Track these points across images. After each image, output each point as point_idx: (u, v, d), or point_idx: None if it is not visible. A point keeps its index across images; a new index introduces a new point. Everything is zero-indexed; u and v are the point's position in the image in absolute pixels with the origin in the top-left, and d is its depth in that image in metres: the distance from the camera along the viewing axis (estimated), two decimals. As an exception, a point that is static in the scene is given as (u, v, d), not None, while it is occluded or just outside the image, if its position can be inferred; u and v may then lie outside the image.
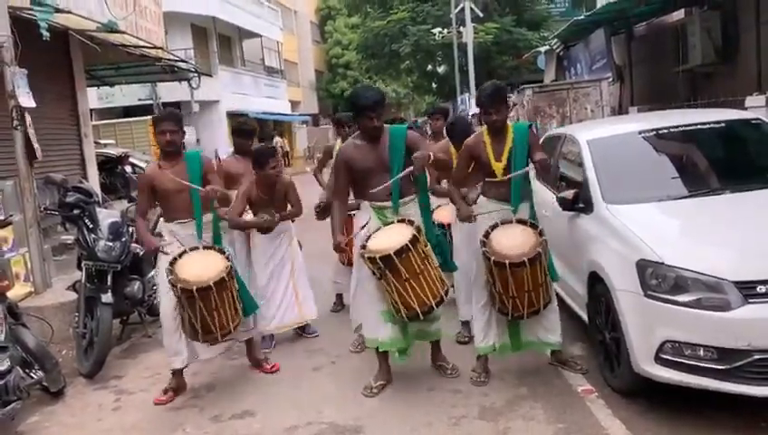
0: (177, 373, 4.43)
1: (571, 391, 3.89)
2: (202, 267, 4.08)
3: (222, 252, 4.25)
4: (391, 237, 3.84)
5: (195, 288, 3.95)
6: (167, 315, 4.29)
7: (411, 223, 3.91)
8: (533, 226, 3.93)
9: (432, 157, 3.90)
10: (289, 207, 5.08)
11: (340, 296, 6.09)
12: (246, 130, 5.67)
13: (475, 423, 3.62)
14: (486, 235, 3.91)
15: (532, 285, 3.81)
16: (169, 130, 4.27)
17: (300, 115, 37.56)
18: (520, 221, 3.95)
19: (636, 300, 3.40)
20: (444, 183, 4.82)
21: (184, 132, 4.44)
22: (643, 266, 3.39)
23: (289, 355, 4.96)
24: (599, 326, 3.92)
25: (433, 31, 27.81)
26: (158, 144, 4.50)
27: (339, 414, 3.87)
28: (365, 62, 33.44)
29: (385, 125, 4.16)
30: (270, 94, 32.15)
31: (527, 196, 4.09)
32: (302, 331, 5.43)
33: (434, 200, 4.59)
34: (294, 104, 37.10)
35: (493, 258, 3.77)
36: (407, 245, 3.73)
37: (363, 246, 3.92)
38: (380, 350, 4.16)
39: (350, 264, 5.59)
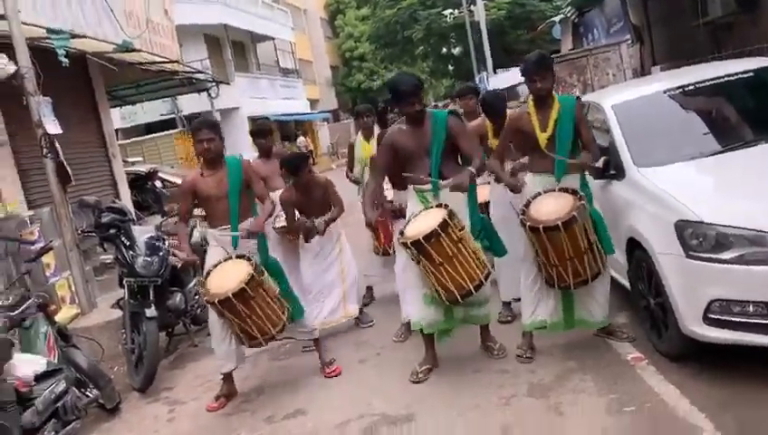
0: (228, 379, 4.50)
1: (620, 361, 3.85)
2: (224, 279, 4.11)
3: (248, 260, 4.23)
4: (426, 222, 3.84)
5: (216, 300, 4.01)
6: (214, 322, 4.36)
7: (445, 207, 3.89)
8: (574, 192, 3.86)
9: (474, 173, 3.98)
10: (331, 208, 5.12)
11: (370, 289, 6.11)
12: (262, 129, 5.74)
13: (524, 401, 3.61)
14: (527, 204, 3.89)
15: (574, 252, 3.75)
16: (206, 139, 4.34)
17: (319, 113, 37.71)
18: (563, 190, 3.89)
19: (678, 262, 3.34)
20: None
21: (222, 138, 4.49)
22: (682, 227, 3.32)
23: (333, 349, 5.00)
24: (642, 292, 3.86)
25: (444, 13, 27.63)
26: (197, 153, 4.56)
27: (388, 405, 3.89)
28: (379, 53, 33.34)
29: (428, 110, 4.21)
30: (288, 95, 32.31)
31: (576, 169, 4.01)
32: (359, 321, 5.48)
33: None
34: (313, 103, 37.22)
35: (528, 224, 3.74)
36: (436, 229, 3.72)
37: (401, 232, 3.95)
38: (424, 332, 4.17)
39: (384, 254, 5.62)
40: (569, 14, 17.16)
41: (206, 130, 4.37)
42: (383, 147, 4.32)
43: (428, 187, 4.06)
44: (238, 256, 4.27)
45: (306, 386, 4.49)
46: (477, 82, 26.51)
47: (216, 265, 4.23)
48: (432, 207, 3.98)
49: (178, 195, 4.79)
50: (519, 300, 4.35)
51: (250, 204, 4.47)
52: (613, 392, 3.47)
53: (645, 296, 3.81)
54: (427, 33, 27.55)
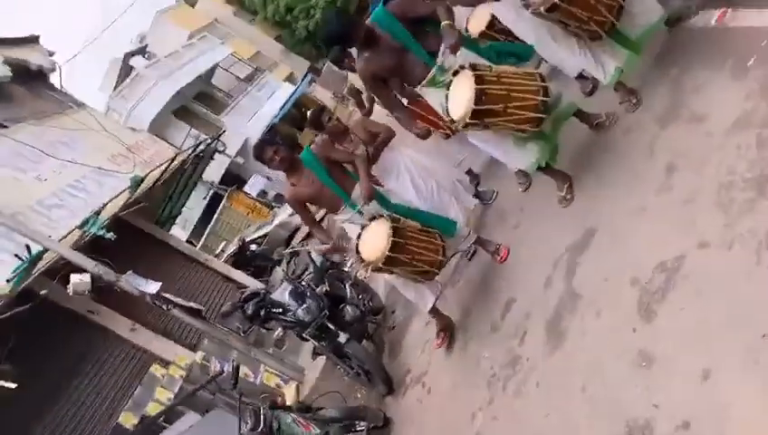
0: (437, 314, 4.70)
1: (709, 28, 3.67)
2: (373, 244, 4.27)
3: (380, 216, 4.37)
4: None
5: (380, 263, 4.19)
6: (391, 281, 4.59)
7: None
8: None
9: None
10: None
11: (469, 172, 6.09)
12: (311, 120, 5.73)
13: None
14: None
15: None
16: (272, 154, 4.52)
17: (301, 83, 37.01)
18: None
19: None
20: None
21: (283, 143, 4.69)
22: None
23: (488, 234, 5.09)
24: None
25: None
26: (276, 170, 4.73)
27: (565, 235, 3.97)
28: None
29: (369, 21, 4.08)
30: (269, 92, 32.03)
31: None
32: (481, 200, 5.52)
33: (463, 12, 4.49)
34: (291, 79, 36.68)
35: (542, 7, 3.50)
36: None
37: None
38: (542, 166, 4.10)
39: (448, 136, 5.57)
40: None
41: (266, 148, 4.56)
42: (373, 81, 4.23)
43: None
44: (370, 220, 4.41)
45: (495, 279, 4.63)
46: None
47: (358, 238, 4.39)
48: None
49: (293, 207, 5.02)
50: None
51: (346, 175, 4.61)
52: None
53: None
54: None
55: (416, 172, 5.06)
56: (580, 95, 4.66)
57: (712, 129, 3.20)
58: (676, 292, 2.83)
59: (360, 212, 4.52)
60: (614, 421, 2.74)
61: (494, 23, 4.79)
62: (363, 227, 4.37)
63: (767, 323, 2.31)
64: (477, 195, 5.50)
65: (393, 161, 5.09)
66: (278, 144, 4.59)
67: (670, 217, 3.16)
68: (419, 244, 4.31)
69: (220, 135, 13.33)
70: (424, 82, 4.06)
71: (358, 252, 4.33)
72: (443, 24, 3.87)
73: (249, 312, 5.65)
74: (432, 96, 4.10)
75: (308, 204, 4.79)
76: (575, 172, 4.24)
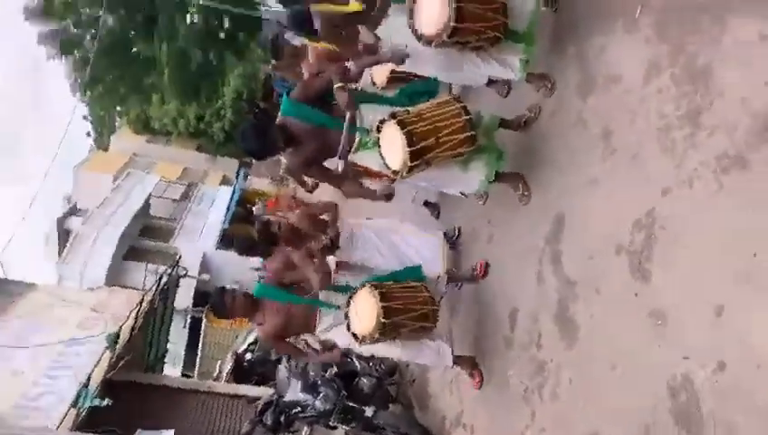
0: (460, 359, 4.60)
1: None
2: (362, 318, 4.12)
3: (361, 287, 4.21)
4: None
5: (377, 334, 4.05)
6: (395, 351, 4.45)
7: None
8: None
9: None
10: None
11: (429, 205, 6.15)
12: (245, 232, 5.67)
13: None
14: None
15: None
16: (231, 301, 4.36)
17: (237, 181, 36.51)
18: None
19: None
20: None
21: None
22: None
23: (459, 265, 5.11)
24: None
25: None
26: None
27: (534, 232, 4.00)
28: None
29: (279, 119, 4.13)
30: (209, 205, 31.34)
31: None
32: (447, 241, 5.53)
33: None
34: (227, 182, 35.74)
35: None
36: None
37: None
38: (494, 180, 4.16)
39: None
40: None
41: (224, 297, 4.38)
42: (308, 170, 4.33)
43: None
44: (350, 299, 4.26)
45: (491, 297, 4.63)
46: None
47: (347, 319, 4.22)
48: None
49: (272, 346, 4.88)
50: None
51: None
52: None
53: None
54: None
55: (374, 236, 4.96)
56: (499, 99, 4.79)
57: (629, 84, 3.32)
58: (660, 244, 2.88)
59: (336, 307, 4.37)
60: (654, 387, 2.74)
61: (394, 69, 4.90)
62: (348, 304, 4.23)
63: (753, 243, 2.35)
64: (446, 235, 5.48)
65: (350, 235, 4.95)
66: (233, 292, 4.45)
67: (624, 177, 3.23)
68: (407, 300, 4.22)
69: (177, 262, 13.17)
70: (353, 150, 4.11)
71: (353, 334, 4.18)
72: (334, 88, 3.97)
73: (269, 423, 5.51)
74: (367, 159, 4.13)
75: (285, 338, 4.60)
76: (523, 169, 4.32)
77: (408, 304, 4.17)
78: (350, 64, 4.12)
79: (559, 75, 4.07)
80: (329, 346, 4.53)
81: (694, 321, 2.60)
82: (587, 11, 3.86)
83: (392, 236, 4.93)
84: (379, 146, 3.84)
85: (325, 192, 5.70)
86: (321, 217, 4.98)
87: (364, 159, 4.12)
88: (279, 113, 4.18)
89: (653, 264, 2.90)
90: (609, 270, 3.21)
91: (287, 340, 4.63)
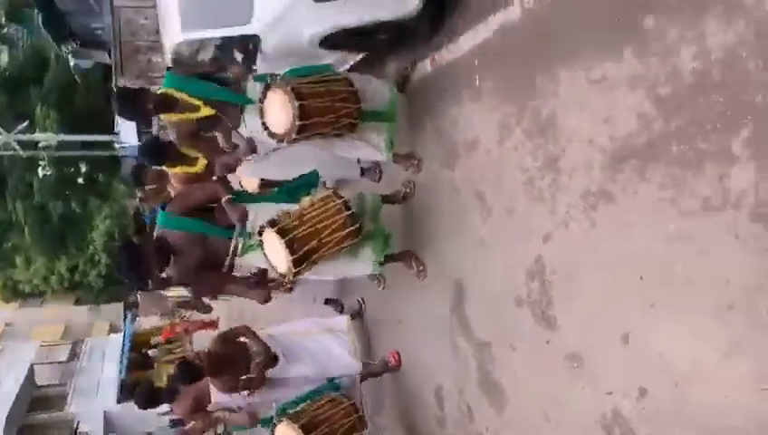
0: None
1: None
2: None
3: (281, 421, 4.08)
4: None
5: None
6: None
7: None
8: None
9: None
10: None
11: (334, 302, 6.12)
12: (145, 380, 5.34)
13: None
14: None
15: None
16: None
17: (125, 327, 34.59)
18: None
19: None
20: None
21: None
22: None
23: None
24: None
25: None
26: None
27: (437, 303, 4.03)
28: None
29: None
30: (99, 358, 29.32)
31: None
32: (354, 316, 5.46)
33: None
34: (115, 330, 33.61)
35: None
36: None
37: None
38: (385, 261, 4.20)
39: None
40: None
41: None
42: (192, 279, 4.15)
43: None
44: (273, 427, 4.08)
45: (411, 379, 4.56)
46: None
47: None
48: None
49: None
50: None
51: None
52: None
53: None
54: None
55: (290, 344, 4.78)
56: (374, 185, 4.90)
57: (487, 146, 3.50)
58: (555, 288, 2.97)
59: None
60: (589, 429, 2.75)
61: (263, 180, 4.93)
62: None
63: (637, 267, 2.48)
64: (352, 314, 5.43)
65: (285, 348, 4.72)
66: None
67: (506, 232, 3.35)
68: (331, 420, 4.10)
69: (76, 429, 12.06)
70: (239, 254, 4.01)
71: None
72: (222, 201, 3.91)
73: None
74: (254, 260, 4.05)
75: None
76: (413, 245, 4.38)
77: (332, 425, 4.04)
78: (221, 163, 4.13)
79: (423, 151, 4.24)
80: None
81: (605, 355, 2.67)
82: (431, 87, 4.09)
83: (304, 340, 4.80)
84: (263, 251, 3.79)
85: (218, 310, 5.48)
86: (239, 339, 4.72)
87: (252, 260, 4.02)
88: (156, 228, 4.05)
89: (554, 309, 2.98)
90: (517, 324, 3.26)
91: None
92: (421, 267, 4.30)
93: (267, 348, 4.50)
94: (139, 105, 3.85)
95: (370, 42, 4.16)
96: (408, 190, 4.42)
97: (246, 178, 5.04)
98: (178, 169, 4.78)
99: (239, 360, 4.46)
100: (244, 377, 4.31)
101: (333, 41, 4.00)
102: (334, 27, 3.81)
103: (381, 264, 4.14)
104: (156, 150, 4.67)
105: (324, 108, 3.69)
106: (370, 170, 4.94)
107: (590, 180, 2.73)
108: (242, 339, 4.63)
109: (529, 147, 3.13)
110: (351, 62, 4.59)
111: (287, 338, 4.78)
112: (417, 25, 3.91)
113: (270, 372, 4.53)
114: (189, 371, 4.38)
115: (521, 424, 3.32)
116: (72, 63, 16.07)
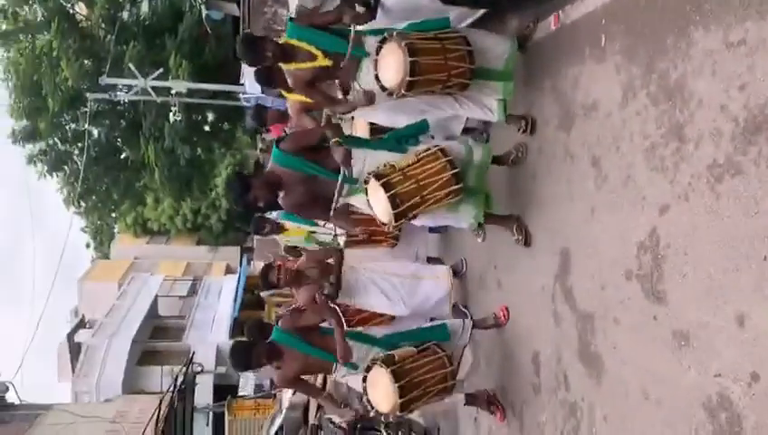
0: (472, 397, 4.62)
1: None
2: (381, 394, 4.02)
3: (373, 362, 4.10)
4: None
5: (398, 411, 3.98)
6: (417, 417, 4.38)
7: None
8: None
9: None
10: None
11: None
12: (256, 319, 5.62)
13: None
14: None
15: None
16: (260, 359, 4.31)
17: (241, 269, 36.43)
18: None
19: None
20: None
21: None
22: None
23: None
24: None
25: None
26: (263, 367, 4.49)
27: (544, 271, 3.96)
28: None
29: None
30: (216, 296, 31.21)
31: None
32: (456, 274, 5.45)
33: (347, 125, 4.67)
34: (231, 271, 35.56)
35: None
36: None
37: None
38: (484, 221, 4.23)
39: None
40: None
41: (250, 354, 4.33)
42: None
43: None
44: (367, 370, 4.15)
45: (510, 343, 4.54)
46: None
47: (365, 393, 4.14)
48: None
49: (289, 386, 4.84)
50: None
51: (324, 335, 4.47)
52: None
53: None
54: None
55: (379, 279, 4.91)
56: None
57: (608, 110, 3.34)
58: (668, 263, 2.83)
59: (354, 366, 4.33)
60: (691, 411, 2.63)
61: (373, 125, 4.98)
62: (364, 379, 4.12)
63: (761, 246, 2.31)
64: (454, 271, 5.44)
65: (354, 279, 4.91)
66: (253, 344, 4.38)
67: (620, 202, 3.21)
68: (425, 369, 4.10)
69: (191, 359, 13.01)
70: (343, 195, 4.13)
71: (372, 406, 4.10)
72: (330, 143, 4.02)
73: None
74: (357, 201, 4.18)
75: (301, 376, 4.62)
76: (518, 210, 4.31)
77: (426, 373, 4.08)
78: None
79: (538, 112, 4.12)
80: (345, 401, 4.55)
81: (717, 336, 2.52)
82: (553, 46, 3.94)
83: (396, 279, 4.89)
84: (368, 198, 3.89)
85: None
86: (328, 260, 4.92)
87: (356, 200, 4.16)
88: (269, 162, 4.25)
89: (665, 284, 2.84)
90: (623, 297, 3.14)
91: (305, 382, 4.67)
92: (521, 235, 4.22)
93: (337, 285, 4.69)
94: (259, 51, 3.97)
95: (492, -3, 4.07)
96: (519, 154, 4.32)
97: (357, 119, 5.13)
98: (294, 96, 4.85)
99: (315, 281, 4.71)
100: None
101: (455, -5, 3.94)
102: (460, -21, 3.75)
103: (480, 224, 4.15)
104: (266, 75, 4.66)
105: (437, 65, 3.66)
106: (476, 130, 4.86)
107: (718, 151, 2.54)
108: (329, 260, 4.84)
109: (653, 112, 2.95)
110: (471, 19, 4.50)
111: (382, 275, 4.93)
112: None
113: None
114: (264, 279, 4.69)
115: (618, 399, 3.23)
116: (204, 14, 16.83)
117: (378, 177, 3.76)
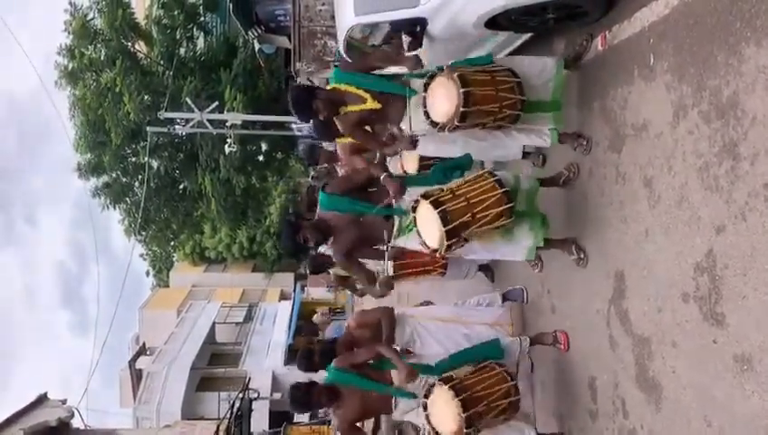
0: None
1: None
2: (444, 413, 3.92)
3: (433, 384, 4.05)
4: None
5: (464, 430, 3.86)
6: None
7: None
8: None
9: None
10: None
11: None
12: (309, 345, 5.62)
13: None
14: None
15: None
16: (317, 396, 4.33)
17: (295, 295, 37.09)
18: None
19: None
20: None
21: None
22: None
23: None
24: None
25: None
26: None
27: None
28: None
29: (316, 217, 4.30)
30: (271, 322, 31.66)
31: None
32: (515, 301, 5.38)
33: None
34: (285, 297, 36.23)
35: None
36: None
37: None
38: (541, 245, 4.12)
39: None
40: None
41: (309, 392, 4.35)
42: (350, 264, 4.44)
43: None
44: (426, 395, 4.06)
45: (566, 369, 4.45)
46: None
47: (427, 419, 4.02)
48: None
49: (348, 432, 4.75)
50: None
51: (378, 370, 4.41)
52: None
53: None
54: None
55: (432, 328, 4.82)
56: (536, 170, 4.81)
57: (659, 129, 3.29)
58: (727, 284, 2.75)
59: (413, 395, 4.26)
60: (757, 437, 2.54)
61: (423, 158, 5.03)
62: (424, 406, 4.04)
63: (825, 265, 2.23)
64: (506, 298, 5.34)
65: (406, 331, 4.80)
66: (313, 384, 4.38)
67: (675, 222, 3.14)
68: (485, 384, 4.03)
69: (248, 385, 13.18)
70: (394, 235, 4.16)
71: (436, 432, 3.98)
72: (381, 177, 4.08)
73: None
74: (409, 242, 4.17)
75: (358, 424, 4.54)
76: (573, 232, 4.26)
77: (486, 389, 3.99)
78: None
79: (589, 132, 4.08)
80: None
81: (782, 359, 2.43)
82: (601, 66, 3.91)
83: (449, 326, 4.83)
84: (416, 225, 3.87)
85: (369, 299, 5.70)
86: (376, 322, 4.84)
87: (407, 242, 4.17)
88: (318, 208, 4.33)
89: (724, 306, 2.76)
90: (681, 319, 3.06)
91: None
92: (582, 255, 4.15)
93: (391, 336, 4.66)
94: (311, 108, 4.03)
95: (538, 21, 4.08)
96: (570, 174, 4.28)
97: (406, 156, 5.18)
98: (344, 140, 4.98)
99: (365, 342, 4.65)
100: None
101: (499, 22, 3.97)
102: (504, 6, 3.77)
103: (539, 248, 4.08)
104: (322, 130, 4.79)
105: (488, 96, 3.68)
106: (533, 154, 4.84)
107: (775, 168, 2.48)
108: (382, 322, 4.74)
109: (706, 130, 2.90)
110: (518, 43, 4.52)
111: (431, 323, 4.84)
112: (587, 3, 3.77)
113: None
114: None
115: (679, 425, 3.13)
116: (257, 49, 17.33)
117: (426, 196, 3.76)
